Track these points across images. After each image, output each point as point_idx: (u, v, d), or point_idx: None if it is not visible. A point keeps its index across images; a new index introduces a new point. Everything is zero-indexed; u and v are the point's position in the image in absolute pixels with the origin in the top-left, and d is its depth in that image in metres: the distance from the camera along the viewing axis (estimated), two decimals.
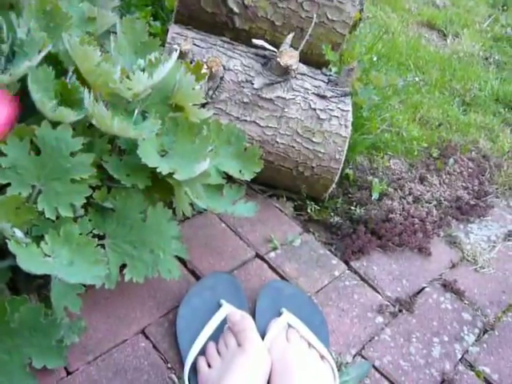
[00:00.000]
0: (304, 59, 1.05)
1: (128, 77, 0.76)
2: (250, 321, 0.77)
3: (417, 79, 1.68)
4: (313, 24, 1.04)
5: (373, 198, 1.11)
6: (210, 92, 0.98)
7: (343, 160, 1.01)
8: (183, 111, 0.83)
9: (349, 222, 1.07)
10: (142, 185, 0.76)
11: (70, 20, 0.82)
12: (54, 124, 0.70)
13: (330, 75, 1.08)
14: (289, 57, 0.99)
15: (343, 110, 1.01)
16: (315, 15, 1.04)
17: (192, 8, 1.04)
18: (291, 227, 1.04)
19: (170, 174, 0.73)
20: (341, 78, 1.05)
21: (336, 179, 1.03)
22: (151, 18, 1.33)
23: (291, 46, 1.04)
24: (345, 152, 1.01)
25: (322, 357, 0.77)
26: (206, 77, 0.93)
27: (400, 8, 2.32)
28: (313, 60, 1.10)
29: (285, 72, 0.99)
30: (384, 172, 1.21)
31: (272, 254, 0.97)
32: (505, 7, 2.64)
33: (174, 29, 1.04)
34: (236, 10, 1.03)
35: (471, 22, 2.38)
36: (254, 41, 1.04)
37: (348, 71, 1.04)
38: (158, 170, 0.72)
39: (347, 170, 1.16)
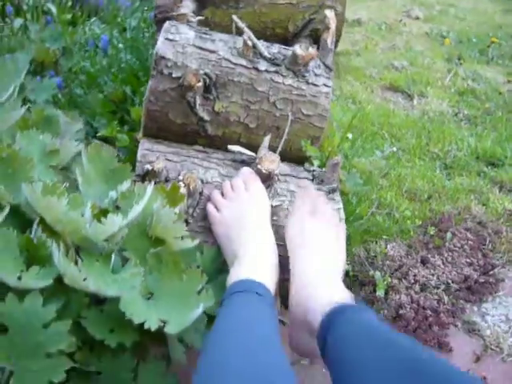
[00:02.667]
0: (284, 156, 1.00)
1: (100, 220, 0.68)
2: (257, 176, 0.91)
3: (394, 149, 1.65)
4: (289, 122, 0.99)
5: (378, 294, 1.03)
6: (191, 210, 0.90)
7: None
8: (165, 244, 0.75)
9: None
10: (130, 341, 0.66)
11: (31, 162, 0.75)
12: (21, 293, 0.61)
13: (314, 170, 1.02)
14: (269, 162, 0.93)
15: (334, 209, 0.94)
16: (290, 113, 0.99)
17: (160, 121, 0.99)
18: None
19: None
20: (326, 173, 0.99)
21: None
22: (118, 128, 1.28)
23: (270, 145, 0.98)
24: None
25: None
26: (185, 197, 0.85)
27: (362, 75, 2.35)
28: (293, 156, 1.05)
29: (267, 178, 0.92)
30: (383, 261, 1.13)
31: None
32: (461, 60, 2.71)
33: (143, 145, 0.98)
34: (206, 117, 0.98)
35: (433, 79, 2.42)
36: (230, 147, 0.99)
37: (333, 166, 0.98)
38: (145, 327, 0.63)
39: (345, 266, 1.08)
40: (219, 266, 0.86)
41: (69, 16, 2.49)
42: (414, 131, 1.84)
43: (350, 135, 1.49)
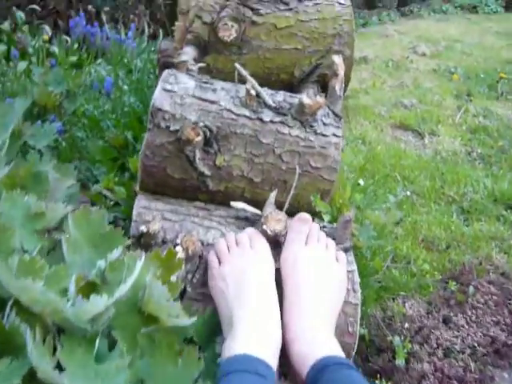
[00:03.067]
0: (292, 212, 0.92)
1: (85, 295, 0.61)
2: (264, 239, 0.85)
3: (408, 193, 1.57)
4: (297, 176, 0.92)
5: (398, 363, 0.93)
6: (189, 276, 0.82)
7: (358, 331, 0.84)
8: (158, 322, 0.67)
9: None
10: None
11: (10, 231, 0.68)
12: None
13: (324, 227, 0.94)
14: (276, 221, 0.85)
15: (348, 271, 0.86)
16: (297, 166, 0.92)
17: (157, 176, 0.92)
18: None
19: None
20: (338, 230, 0.91)
21: (353, 354, 0.85)
22: (115, 178, 1.21)
23: (276, 200, 0.91)
24: (358, 322, 0.84)
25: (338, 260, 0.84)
26: (183, 263, 0.77)
27: (371, 114, 2.29)
28: (302, 211, 0.97)
29: (273, 239, 0.84)
30: (402, 322, 1.04)
31: None
32: (470, 97, 2.66)
33: (139, 202, 0.91)
34: (207, 172, 0.91)
35: (443, 116, 2.36)
36: (233, 204, 0.91)
37: (344, 223, 0.90)
38: None
39: (360, 329, 0.98)
40: (214, 329, 0.78)
41: (74, 58, 2.48)
42: (428, 172, 1.76)
43: (361, 181, 1.42)
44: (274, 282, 0.79)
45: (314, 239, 0.85)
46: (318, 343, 0.67)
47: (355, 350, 0.85)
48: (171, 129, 0.88)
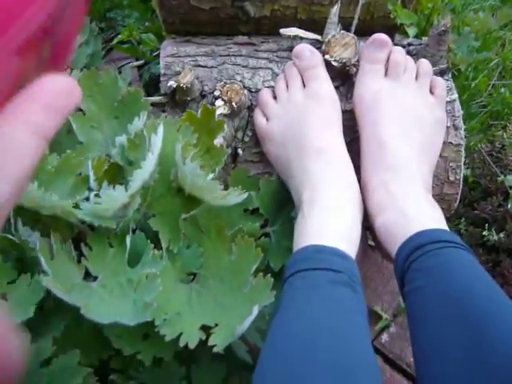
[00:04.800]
0: (364, 30, 0.69)
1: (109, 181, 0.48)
2: (321, 59, 0.63)
3: None
4: None
5: (510, 207, 0.75)
6: (239, 134, 0.66)
7: (461, 178, 0.65)
8: (201, 203, 0.53)
9: (482, 251, 0.72)
10: (169, 354, 0.48)
11: None
12: None
13: (410, 44, 0.70)
14: (342, 47, 0.63)
15: (447, 103, 0.64)
16: None
17: (180, 12, 0.70)
18: None
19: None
20: (429, 47, 0.67)
21: (455, 206, 0.68)
22: (146, 22, 1.01)
23: (340, 18, 0.67)
24: (462, 167, 0.65)
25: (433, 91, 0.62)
26: (225, 122, 0.60)
27: None
28: (377, 27, 0.73)
29: (340, 72, 0.63)
30: None
31: (385, 337, 0.67)
32: None
33: (165, 49, 0.71)
34: None
35: None
36: (284, 31, 0.69)
37: (438, 36, 0.66)
38: (180, 344, 0.43)
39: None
40: (285, 199, 0.63)
41: None
42: None
43: None
44: (342, 132, 0.61)
45: (397, 67, 0.63)
46: (410, 210, 0.50)
47: (458, 201, 0.68)
48: None
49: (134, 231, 0.50)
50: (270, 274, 0.47)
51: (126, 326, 0.44)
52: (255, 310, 0.43)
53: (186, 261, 0.52)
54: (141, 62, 1.02)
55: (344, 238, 0.49)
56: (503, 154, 0.82)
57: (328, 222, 0.50)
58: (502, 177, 0.76)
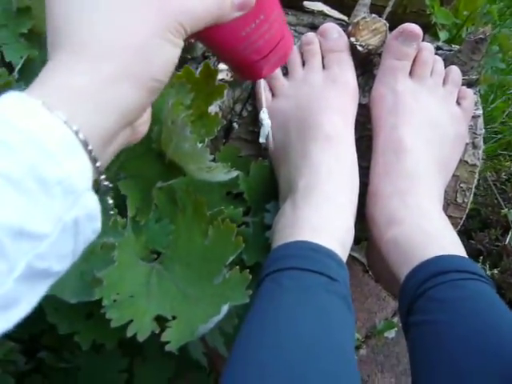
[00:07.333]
0: (394, 22, 0.62)
1: None
2: (348, 44, 0.55)
3: None
4: None
5: (508, 241, 0.70)
6: (238, 107, 0.58)
7: (469, 204, 0.59)
8: (182, 174, 0.45)
9: None
10: (112, 342, 0.41)
11: None
12: None
13: (439, 48, 0.64)
14: (370, 32, 0.56)
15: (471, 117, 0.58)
16: None
17: None
18: (381, 305, 0.66)
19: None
20: (461, 54, 0.61)
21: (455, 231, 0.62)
22: None
23: (373, 5, 0.60)
24: (473, 190, 0.59)
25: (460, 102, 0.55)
26: (226, 87, 0.52)
27: None
28: (407, 21, 0.66)
29: (364, 59, 0.56)
30: None
31: None
32: None
33: None
34: None
35: None
36: (308, 4, 0.62)
37: (474, 43, 0.59)
38: (128, 334, 0.36)
39: None
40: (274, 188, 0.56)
41: None
42: None
43: None
44: (354, 127, 0.54)
45: (425, 68, 0.56)
46: (428, 228, 0.43)
47: (459, 226, 0.62)
48: None
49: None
50: (248, 270, 0.40)
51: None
52: (224, 309, 0.36)
53: (153, 236, 0.44)
54: None
55: (340, 241, 0.42)
56: (508, 186, 0.77)
57: (327, 217, 0.43)
58: (506, 210, 0.71)
